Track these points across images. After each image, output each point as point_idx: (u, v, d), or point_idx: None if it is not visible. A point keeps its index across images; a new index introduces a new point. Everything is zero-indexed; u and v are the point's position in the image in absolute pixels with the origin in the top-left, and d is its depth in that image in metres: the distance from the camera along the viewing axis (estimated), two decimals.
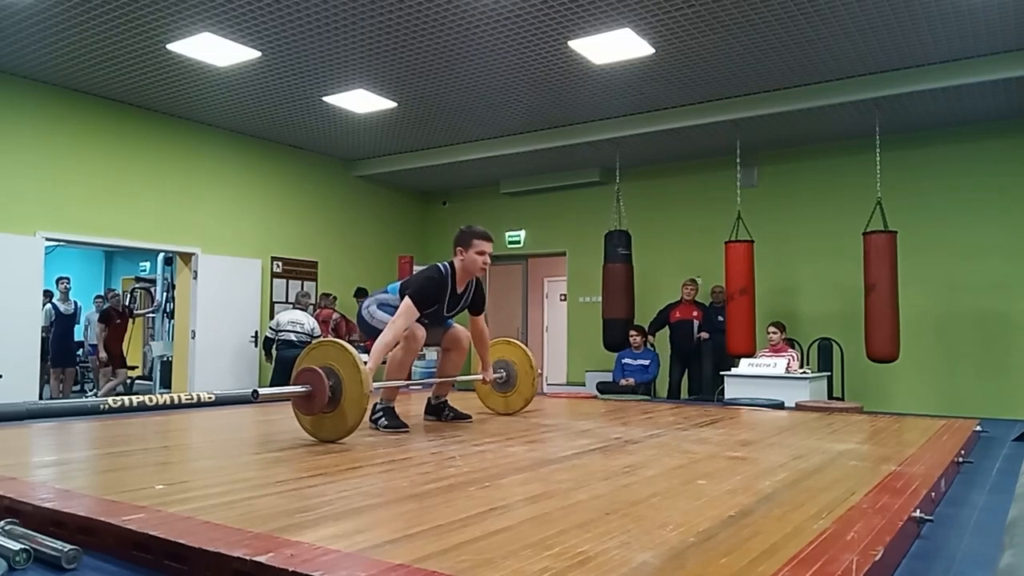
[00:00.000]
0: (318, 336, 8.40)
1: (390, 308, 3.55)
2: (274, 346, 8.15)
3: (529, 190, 10.08)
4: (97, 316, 9.81)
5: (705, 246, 8.53)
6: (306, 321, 8.25)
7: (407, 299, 3.41)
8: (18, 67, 6.56)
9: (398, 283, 3.72)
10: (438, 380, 3.91)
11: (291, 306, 8.62)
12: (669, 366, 8.11)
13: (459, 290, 3.62)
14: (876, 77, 6.50)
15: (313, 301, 9.00)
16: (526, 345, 10.48)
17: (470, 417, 3.82)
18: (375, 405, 3.48)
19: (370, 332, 3.62)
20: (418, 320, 3.49)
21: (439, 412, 3.82)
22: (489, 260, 3.61)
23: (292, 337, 8.09)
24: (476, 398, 4.44)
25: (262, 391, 2.90)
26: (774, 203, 8.45)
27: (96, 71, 6.63)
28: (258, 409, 4.58)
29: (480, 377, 4.01)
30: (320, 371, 2.91)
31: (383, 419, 3.42)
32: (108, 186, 7.45)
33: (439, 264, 3.60)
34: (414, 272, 3.78)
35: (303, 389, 2.94)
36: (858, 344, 7.06)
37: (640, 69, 6.46)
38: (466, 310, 3.76)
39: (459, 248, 3.58)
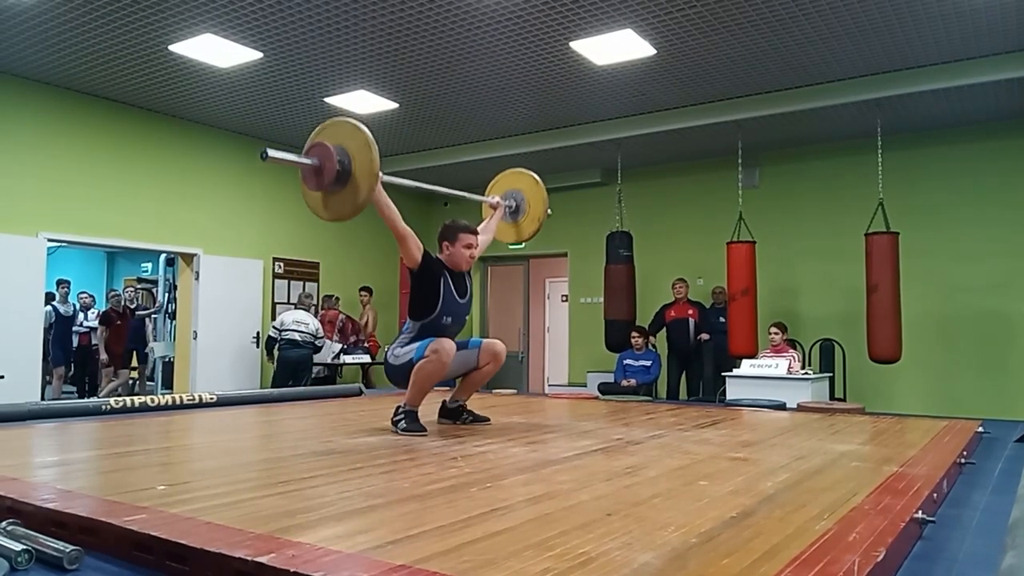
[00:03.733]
0: (322, 336, 8.40)
1: (409, 341, 3.45)
2: (276, 346, 8.15)
3: None
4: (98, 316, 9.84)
5: (707, 247, 8.53)
6: (310, 321, 8.26)
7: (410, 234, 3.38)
8: (19, 68, 6.57)
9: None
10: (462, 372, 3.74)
11: (293, 306, 8.63)
12: (667, 366, 8.10)
13: (456, 273, 3.54)
14: (877, 78, 6.50)
15: (316, 302, 9.00)
16: (527, 341, 10.35)
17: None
18: (397, 407, 3.43)
19: (396, 374, 3.48)
20: (440, 331, 3.41)
21: (455, 416, 3.72)
22: (476, 254, 3.57)
23: (296, 337, 8.10)
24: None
25: (272, 153, 2.84)
26: (776, 204, 8.44)
27: (98, 72, 6.64)
28: (260, 410, 4.58)
29: (491, 200, 4.00)
30: (330, 147, 2.87)
31: (403, 422, 3.34)
32: (110, 187, 7.46)
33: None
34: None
35: (312, 162, 2.90)
36: (860, 345, 7.05)
37: (641, 70, 6.46)
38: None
39: (445, 243, 3.54)
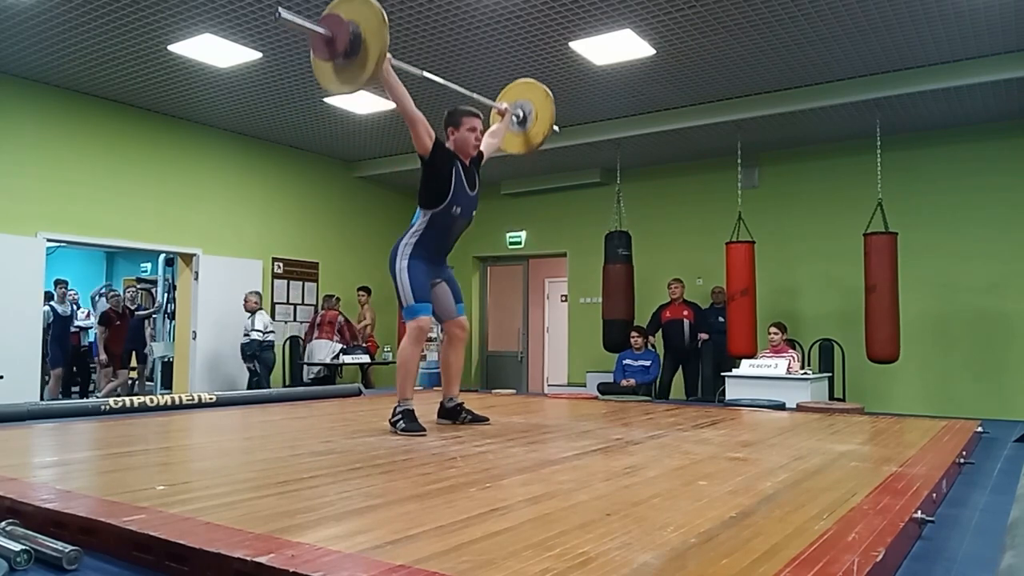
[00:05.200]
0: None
1: (418, 235, 3.47)
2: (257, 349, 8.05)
3: (530, 191, 10.08)
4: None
5: (706, 247, 8.53)
6: (270, 321, 8.31)
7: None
8: (19, 68, 6.57)
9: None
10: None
11: (250, 309, 8.18)
12: (662, 366, 8.11)
13: (466, 163, 3.60)
14: (876, 78, 6.50)
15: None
16: (526, 341, 10.31)
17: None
18: (395, 408, 3.44)
19: (392, 267, 3.52)
20: (449, 222, 3.47)
21: (455, 415, 3.72)
22: (481, 137, 3.63)
23: (273, 338, 8.14)
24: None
25: (285, 13, 2.94)
26: (775, 204, 8.44)
27: (97, 72, 6.64)
28: (259, 410, 4.58)
29: (500, 106, 4.06)
30: (343, 19, 2.98)
31: (401, 422, 3.34)
32: (109, 187, 7.45)
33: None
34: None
35: (324, 31, 3.00)
36: (859, 345, 7.05)
37: (641, 70, 6.46)
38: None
39: (450, 129, 3.60)
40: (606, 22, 5.52)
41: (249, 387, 8.04)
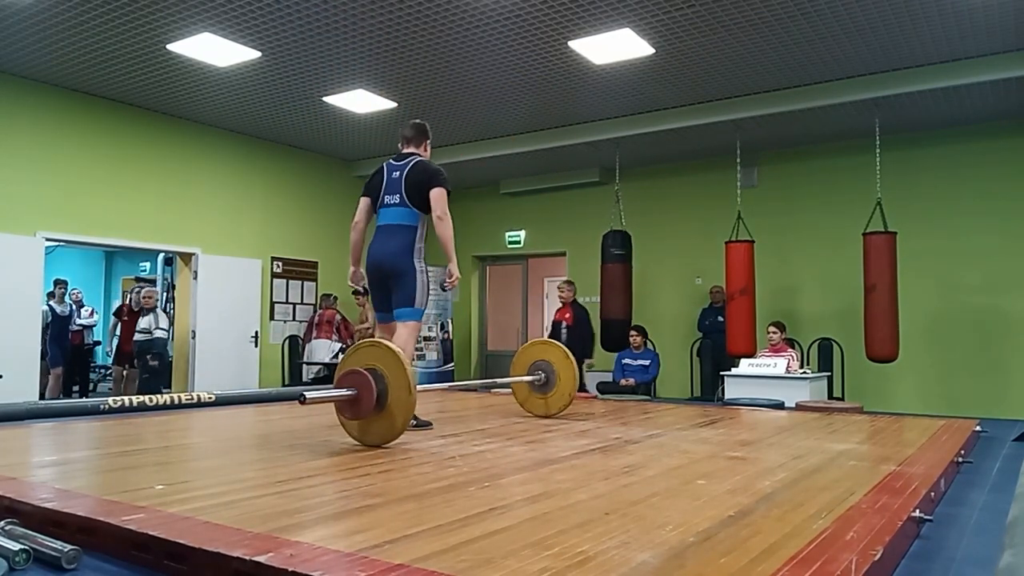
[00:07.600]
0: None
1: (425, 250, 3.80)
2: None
3: (529, 190, 10.07)
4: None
5: (705, 246, 8.53)
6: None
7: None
8: (18, 67, 6.56)
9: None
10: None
11: (150, 306, 8.09)
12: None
13: None
14: (876, 77, 6.50)
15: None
16: (525, 340, 10.33)
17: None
18: None
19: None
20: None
21: None
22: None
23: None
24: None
25: (310, 395, 2.83)
26: (774, 203, 8.44)
27: (96, 71, 6.63)
28: (258, 409, 4.58)
29: (526, 379, 4.10)
30: (366, 373, 2.81)
31: None
32: (108, 186, 7.45)
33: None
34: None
35: (349, 393, 2.84)
36: (858, 344, 7.05)
37: (640, 69, 6.46)
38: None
39: (427, 142, 4.02)
40: (605, 21, 5.52)
41: (142, 390, 7.64)
